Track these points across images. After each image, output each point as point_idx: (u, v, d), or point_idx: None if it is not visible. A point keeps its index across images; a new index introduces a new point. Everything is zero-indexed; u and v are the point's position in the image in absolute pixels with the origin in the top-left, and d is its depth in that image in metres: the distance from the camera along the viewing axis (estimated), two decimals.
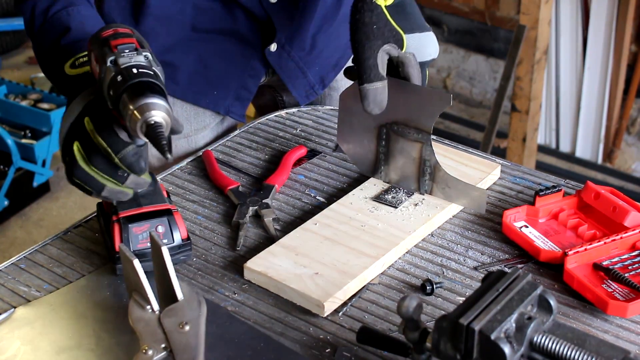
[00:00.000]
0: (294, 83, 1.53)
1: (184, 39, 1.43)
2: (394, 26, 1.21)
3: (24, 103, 3.48)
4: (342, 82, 1.60)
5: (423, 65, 1.49)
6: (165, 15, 1.40)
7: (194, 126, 1.51)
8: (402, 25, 1.23)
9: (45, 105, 3.48)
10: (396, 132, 1.27)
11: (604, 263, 1.14)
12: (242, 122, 1.54)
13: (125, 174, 1.07)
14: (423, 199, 1.26)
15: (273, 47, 1.46)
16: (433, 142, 1.31)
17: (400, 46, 1.22)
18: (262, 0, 1.40)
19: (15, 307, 1.09)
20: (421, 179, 1.27)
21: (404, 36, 1.22)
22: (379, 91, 1.19)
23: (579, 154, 3.54)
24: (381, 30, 1.19)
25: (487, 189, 1.32)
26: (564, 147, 3.58)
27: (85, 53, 1.16)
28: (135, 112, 1.00)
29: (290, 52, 1.49)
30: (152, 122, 1.00)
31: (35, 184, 3.33)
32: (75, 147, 1.07)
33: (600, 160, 3.50)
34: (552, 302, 0.89)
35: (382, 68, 1.20)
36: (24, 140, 3.31)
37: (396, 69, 1.22)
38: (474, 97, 3.91)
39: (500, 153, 3.37)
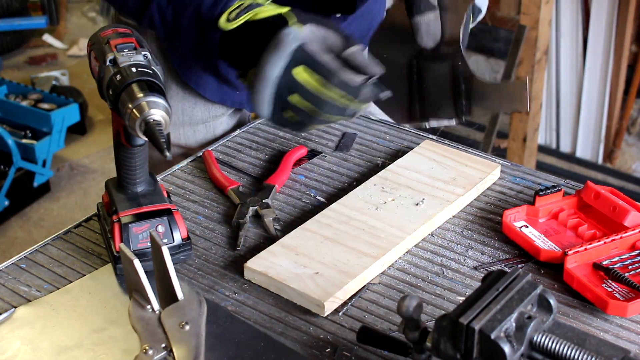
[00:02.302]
0: None
1: None
2: None
3: (25, 103, 3.48)
4: None
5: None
6: None
7: (211, 112, 1.52)
8: None
9: (45, 106, 3.48)
10: (425, 57, 1.25)
11: (604, 263, 1.14)
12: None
13: (354, 111, 1.07)
14: (423, 199, 1.26)
15: None
16: (432, 142, 1.31)
17: None
18: None
19: (15, 307, 1.09)
20: (457, 102, 1.24)
21: None
22: (431, 23, 1.17)
23: (579, 154, 3.54)
24: None
25: (487, 189, 1.32)
26: (565, 147, 3.58)
27: (237, 4, 1.13)
28: (134, 110, 1.01)
29: None
30: (151, 121, 1.01)
31: (35, 184, 3.34)
32: (297, 101, 1.06)
33: (600, 161, 3.50)
34: (552, 302, 0.89)
35: None
36: (24, 140, 3.32)
37: None
38: None
39: (500, 153, 3.37)
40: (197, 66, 1.23)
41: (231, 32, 1.12)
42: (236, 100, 1.51)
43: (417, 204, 1.25)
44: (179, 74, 1.47)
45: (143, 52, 1.07)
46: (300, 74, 1.05)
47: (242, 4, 1.13)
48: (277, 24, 1.07)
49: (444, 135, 1.48)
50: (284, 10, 1.10)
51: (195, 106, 1.49)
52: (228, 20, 1.12)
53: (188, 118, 1.49)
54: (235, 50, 1.13)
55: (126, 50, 1.07)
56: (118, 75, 1.04)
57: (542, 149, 3.52)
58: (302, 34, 1.06)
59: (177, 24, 1.18)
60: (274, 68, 1.06)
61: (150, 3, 1.20)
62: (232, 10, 1.12)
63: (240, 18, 1.11)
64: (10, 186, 3.22)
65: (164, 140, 0.99)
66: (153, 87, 1.03)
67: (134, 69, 1.04)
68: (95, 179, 3.50)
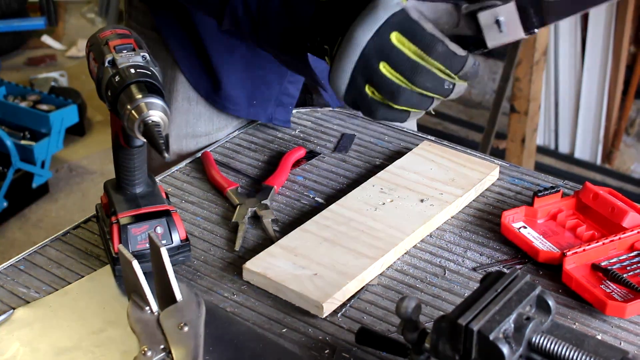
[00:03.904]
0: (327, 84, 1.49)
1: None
2: None
3: (23, 104, 3.48)
4: None
5: None
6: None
7: (215, 125, 1.50)
8: None
9: (44, 107, 3.49)
10: None
11: (603, 264, 1.14)
12: (287, 127, 1.49)
13: (452, 85, 1.02)
14: (422, 200, 1.26)
15: None
16: (431, 143, 1.30)
17: None
18: None
19: (14, 309, 1.09)
20: None
21: None
22: None
23: (578, 155, 3.54)
24: None
25: (485, 189, 1.32)
26: (563, 148, 3.58)
27: None
28: (132, 111, 1.01)
29: None
30: (150, 122, 1.01)
31: (34, 185, 3.34)
32: (386, 71, 1.00)
33: (599, 161, 3.51)
34: (551, 303, 0.89)
35: None
36: (23, 142, 3.32)
37: None
38: (472, 98, 3.91)
39: (499, 154, 3.38)
40: (282, 59, 1.17)
41: (326, 6, 1.05)
42: (266, 115, 1.49)
43: (415, 205, 1.25)
44: (193, 88, 1.47)
45: (142, 53, 1.07)
46: (396, 38, 0.99)
47: None
48: None
49: (443, 136, 1.49)
50: None
51: (200, 119, 1.48)
52: None
53: (192, 130, 1.48)
54: (328, 27, 1.05)
55: (125, 51, 1.07)
56: (117, 77, 1.04)
57: (541, 149, 3.52)
58: (406, 2, 1.00)
59: (264, 12, 1.12)
60: (366, 31, 0.99)
61: None
62: None
63: None
64: (8, 187, 3.22)
65: (162, 141, 0.99)
66: (152, 88, 1.03)
67: (132, 70, 1.04)
68: (94, 180, 3.50)
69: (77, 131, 3.72)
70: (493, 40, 1.04)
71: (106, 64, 1.06)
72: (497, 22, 1.02)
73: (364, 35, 0.99)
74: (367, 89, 1.02)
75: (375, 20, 0.99)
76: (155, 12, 1.43)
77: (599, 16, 3.30)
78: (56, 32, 4.66)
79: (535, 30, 1.03)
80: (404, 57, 1.00)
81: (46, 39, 4.59)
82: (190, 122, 1.48)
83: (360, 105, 1.04)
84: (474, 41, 1.04)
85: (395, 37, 0.99)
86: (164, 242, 1.14)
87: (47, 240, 1.22)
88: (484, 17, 1.03)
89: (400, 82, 1.01)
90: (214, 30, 1.39)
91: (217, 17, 1.20)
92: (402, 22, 0.99)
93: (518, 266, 1.16)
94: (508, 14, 1.02)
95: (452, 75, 1.02)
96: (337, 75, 1.03)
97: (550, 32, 3.30)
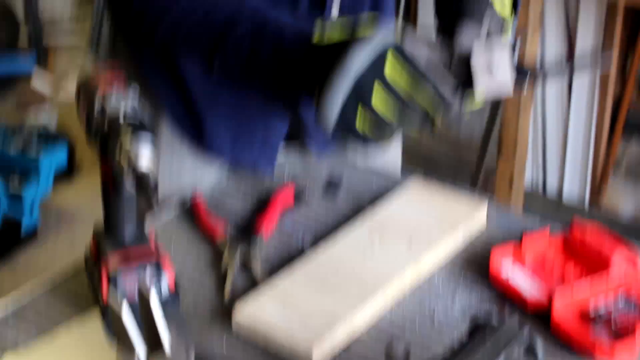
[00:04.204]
0: (311, 131, 1.50)
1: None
2: None
3: (12, 148, 3.48)
4: None
5: None
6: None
7: (199, 173, 1.50)
8: None
9: (33, 151, 3.48)
10: None
11: (591, 303, 1.15)
12: (270, 175, 1.49)
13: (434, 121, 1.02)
14: (410, 243, 1.26)
15: None
16: (419, 185, 1.31)
17: None
18: None
19: (2, 354, 1.09)
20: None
21: None
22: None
23: (566, 195, 3.55)
24: None
25: (474, 230, 1.32)
26: (551, 188, 3.59)
27: (331, 30, 1.06)
28: (122, 159, 1.01)
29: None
30: (139, 170, 1.01)
31: (22, 230, 3.32)
32: (378, 101, 0.99)
33: (587, 201, 3.52)
34: (539, 348, 0.89)
35: None
36: (11, 186, 3.31)
37: None
38: (461, 138, 3.93)
39: (487, 195, 3.38)
40: (272, 105, 1.17)
41: (319, 50, 1.05)
42: (251, 160, 1.50)
43: (404, 249, 1.26)
44: (177, 132, 1.47)
45: (132, 99, 1.08)
46: (390, 69, 0.99)
47: (337, 26, 1.06)
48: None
49: (431, 176, 1.49)
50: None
51: (184, 167, 1.49)
52: (320, 39, 1.05)
53: (175, 178, 1.49)
54: (320, 67, 1.04)
55: (114, 97, 1.08)
56: (106, 121, 1.04)
57: (529, 190, 3.53)
58: (398, 36, 1.01)
59: (255, 57, 1.13)
60: (359, 59, 0.98)
61: (224, 41, 1.16)
62: (326, 33, 1.06)
63: (337, 36, 1.04)
64: None
65: (152, 188, 0.99)
66: (141, 134, 1.03)
67: (122, 116, 1.05)
68: (83, 225, 3.49)
69: (66, 175, 3.71)
70: (482, 87, 1.05)
71: (95, 110, 1.07)
72: (489, 66, 1.03)
73: (358, 66, 0.99)
74: (358, 117, 1.01)
75: (371, 52, 0.99)
76: (140, 55, 1.44)
77: (584, 56, 3.33)
78: (46, 75, 4.67)
79: (525, 85, 1.04)
80: (394, 92, 1.00)
81: (36, 82, 4.60)
82: (173, 171, 1.49)
83: (350, 137, 1.03)
84: (461, 89, 1.04)
85: (389, 68, 0.99)
86: (152, 289, 1.14)
87: (36, 286, 1.22)
88: (477, 59, 1.04)
89: (388, 117, 1.00)
90: (197, 75, 1.40)
91: (206, 63, 1.21)
92: (396, 56, 1.00)
93: (507, 308, 1.16)
94: (501, 60, 1.03)
95: (435, 115, 1.01)
96: (326, 106, 1.01)
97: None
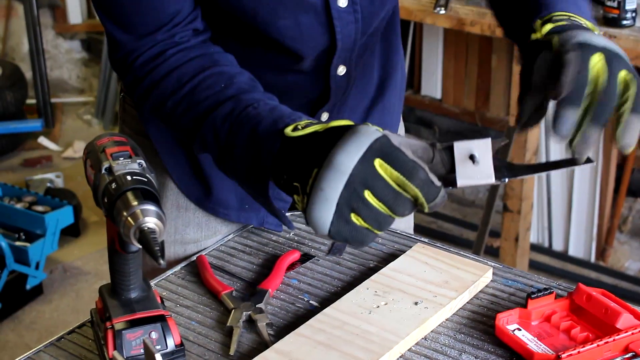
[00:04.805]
0: None
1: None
2: None
3: (19, 206, 3.50)
4: None
5: None
6: None
7: (204, 232, 1.51)
8: None
9: (39, 208, 3.50)
10: None
11: None
12: (279, 231, 1.49)
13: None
14: (416, 303, 1.26)
15: None
16: (424, 246, 1.31)
17: None
18: None
19: None
20: None
21: None
22: None
23: (571, 252, 3.55)
24: None
25: (479, 291, 1.33)
26: (557, 246, 3.59)
27: (306, 121, 1.05)
28: (128, 218, 1.02)
29: None
30: (146, 229, 1.02)
31: (28, 286, 3.33)
32: (371, 199, 0.96)
33: (593, 259, 3.51)
34: None
35: None
36: (17, 243, 3.32)
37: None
38: (466, 196, 3.94)
39: (493, 252, 3.38)
40: (246, 189, 1.17)
41: (293, 143, 1.02)
42: (257, 221, 1.50)
43: (410, 308, 1.26)
44: (184, 194, 1.48)
45: (138, 161, 1.09)
46: (379, 165, 0.96)
47: (311, 121, 1.05)
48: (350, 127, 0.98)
49: (437, 234, 1.49)
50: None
51: (189, 225, 1.50)
52: (295, 129, 1.03)
53: (180, 237, 1.49)
54: (297, 162, 1.01)
55: (122, 158, 1.09)
56: (113, 184, 1.06)
57: (535, 247, 3.53)
58: (383, 131, 0.98)
59: (231, 143, 1.11)
60: (352, 156, 0.95)
61: (204, 122, 1.15)
62: (299, 124, 1.04)
63: (311, 128, 1.02)
64: (2, 288, 3.21)
65: (158, 248, 1.00)
66: (148, 195, 1.05)
67: (129, 177, 1.06)
68: (89, 281, 3.49)
69: (72, 232, 3.72)
70: (464, 177, 1.05)
71: (103, 171, 1.08)
72: (472, 157, 1.04)
73: (349, 161, 0.95)
74: (354, 218, 0.97)
75: (359, 146, 0.96)
76: (145, 118, 1.45)
77: None
78: (53, 133, 4.70)
79: (506, 179, 1.05)
80: (387, 185, 0.96)
81: (43, 140, 4.64)
82: (179, 229, 1.49)
83: (350, 236, 0.97)
84: (444, 180, 1.04)
85: (378, 164, 0.96)
86: (158, 347, 1.14)
87: (41, 345, 1.22)
88: (459, 149, 1.04)
89: (384, 210, 0.97)
90: None
91: (189, 140, 1.20)
92: (384, 148, 0.96)
93: None
94: (483, 150, 1.04)
95: (425, 204, 0.98)
96: (318, 207, 0.96)
97: (540, 131, 3.34)
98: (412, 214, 1.67)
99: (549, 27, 1.14)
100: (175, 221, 1.49)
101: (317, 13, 1.25)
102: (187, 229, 1.49)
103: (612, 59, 1.08)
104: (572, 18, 1.16)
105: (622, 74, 1.07)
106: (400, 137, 1.00)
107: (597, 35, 1.11)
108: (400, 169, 0.96)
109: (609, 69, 1.07)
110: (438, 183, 0.98)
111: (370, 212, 0.97)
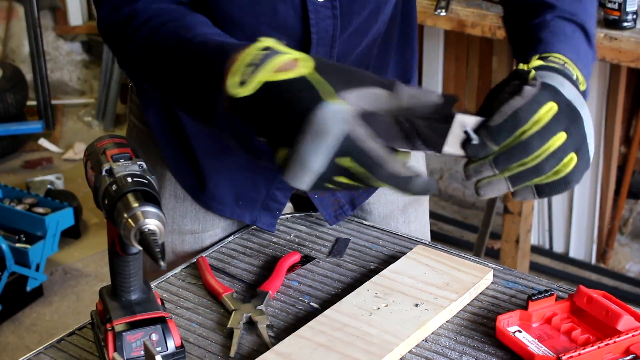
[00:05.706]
0: (321, 200, 1.51)
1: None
2: None
3: (19, 207, 3.49)
4: (374, 206, 1.59)
5: None
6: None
7: (202, 225, 1.51)
8: None
9: (40, 210, 3.50)
10: None
11: None
12: (271, 231, 1.50)
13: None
14: (417, 304, 1.26)
15: None
16: (425, 247, 1.31)
17: None
18: None
19: None
20: None
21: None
22: None
23: (572, 254, 3.55)
24: None
25: (480, 293, 1.33)
26: (558, 248, 3.59)
27: (249, 63, 1.01)
28: (129, 220, 1.02)
29: None
30: (146, 230, 1.02)
31: (28, 288, 3.32)
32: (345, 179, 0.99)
33: (594, 261, 3.51)
34: None
35: None
36: (18, 245, 3.32)
37: None
38: (466, 198, 3.94)
39: (493, 254, 3.38)
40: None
41: (246, 97, 1.01)
42: (251, 219, 1.50)
43: (410, 310, 1.26)
44: (180, 185, 1.49)
45: (139, 162, 1.09)
46: (347, 163, 0.98)
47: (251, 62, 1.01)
48: (308, 95, 0.98)
49: (437, 237, 1.50)
50: (303, 59, 1.00)
51: (186, 216, 1.50)
52: (241, 83, 1.00)
53: (177, 227, 1.50)
54: (255, 118, 1.01)
55: (122, 160, 1.09)
56: (114, 185, 1.06)
57: (535, 249, 3.52)
58: (345, 114, 0.97)
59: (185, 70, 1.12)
60: (316, 159, 0.97)
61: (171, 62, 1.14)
62: (244, 67, 1.01)
63: (254, 78, 1.00)
64: (2, 290, 3.20)
65: (158, 249, 1.00)
66: (148, 197, 1.05)
67: (129, 179, 1.06)
68: (89, 283, 3.49)
69: (72, 234, 3.72)
70: (450, 146, 1.05)
71: (103, 173, 1.08)
72: (466, 132, 1.04)
73: (314, 163, 0.98)
74: (330, 185, 1.00)
75: (324, 148, 0.97)
76: (146, 109, 1.45)
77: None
78: (53, 135, 4.70)
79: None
80: (357, 175, 0.98)
81: (43, 142, 4.63)
82: (176, 219, 1.50)
83: (327, 187, 1.01)
84: (430, 143, 1.04)
85: (346, 161, 0.98)
86: (158, 349, 1.14)
87: (42, 347, 1.22)
88: (458, 122, 1.04)
89: (360, 181, 0.99)
90: (201, 131, 1.41)
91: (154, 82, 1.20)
92: (349, 146, 0.97)
93: None
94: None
95: (401, 192, 0.99)
96: (297, 175, 0.99)
97: None
98: (428, 223, 1.68)
99: (538, 63, 1.14)
100: (173, 211, 1.50)
101: (293, 4, 1.26)
102: (185, 220, 1.50)
103: (564, 115, 1.06)
104: (566, 64, 1.15)
105: (559, 135, 1.06)
106: (370, 102, 0.99)
107: (572, 89, 1.09)
108: (364, 165, 0.97)
109: (548, 124, 1.05)
110: (408, 173, 0.98)
111: (348, 181, 0.99)
